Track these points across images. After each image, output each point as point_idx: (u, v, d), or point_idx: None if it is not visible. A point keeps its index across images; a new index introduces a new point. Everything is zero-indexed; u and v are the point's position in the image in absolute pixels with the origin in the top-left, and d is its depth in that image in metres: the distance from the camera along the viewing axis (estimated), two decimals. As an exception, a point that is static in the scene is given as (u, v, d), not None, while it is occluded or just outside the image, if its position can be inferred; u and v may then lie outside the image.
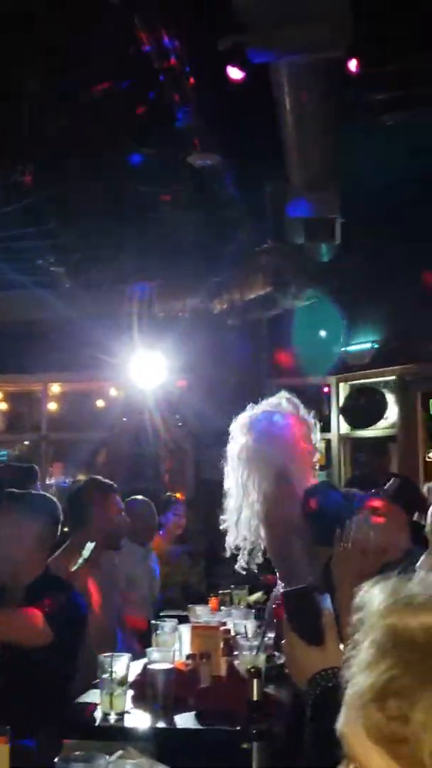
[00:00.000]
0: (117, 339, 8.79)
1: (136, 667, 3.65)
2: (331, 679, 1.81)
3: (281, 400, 4.35)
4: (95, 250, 7.78)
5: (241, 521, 3.74)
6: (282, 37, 4.38)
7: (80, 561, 4.25)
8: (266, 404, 4.34)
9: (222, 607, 4.80)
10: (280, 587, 3.66)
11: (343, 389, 9.25)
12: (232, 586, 5.53)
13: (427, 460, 8.69)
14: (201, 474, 9.08)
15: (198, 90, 5.64)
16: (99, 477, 4.97)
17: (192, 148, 6.07)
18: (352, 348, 8.94)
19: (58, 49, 5.52)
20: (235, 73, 4.76)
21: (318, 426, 4.46)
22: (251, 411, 4.33)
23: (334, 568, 2.71)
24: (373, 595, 0.73)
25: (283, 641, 2.01)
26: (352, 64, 4.76)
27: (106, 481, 4.84)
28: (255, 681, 3.05)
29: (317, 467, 4.44)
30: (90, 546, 4.29)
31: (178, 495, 9.01)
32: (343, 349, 8.97)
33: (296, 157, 6.20)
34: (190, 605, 4.83)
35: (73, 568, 4.19)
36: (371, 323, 8.86)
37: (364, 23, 4.34)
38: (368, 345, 8.82)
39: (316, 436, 4.49)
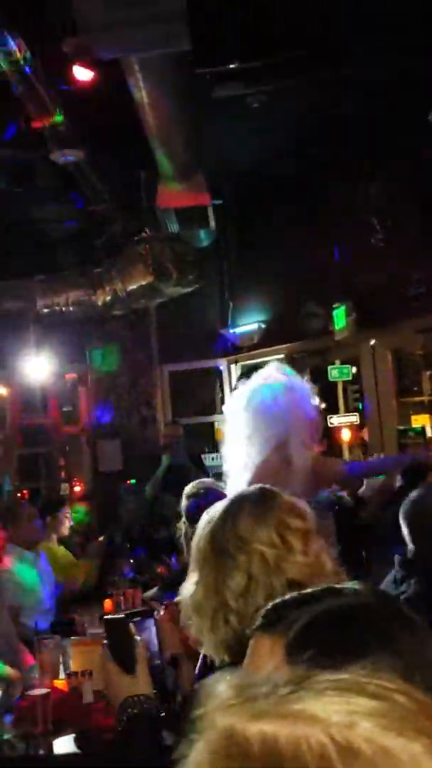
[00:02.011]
0: (2, 337, 8.63)
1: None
2: (137, 706, 1.94)
3: (271, 371, 4.15)
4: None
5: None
6: (124, 37, 4.31)
7: None
8: (259, 377, 4.15)
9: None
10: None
11: (235, 370, 9.30)
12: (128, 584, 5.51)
13: (330, 425, 8.85)
14: (98, 467, 9.04)
15: (54, 88, 5.52)
16: None
17: (54, 144, 5.94)
18: (240, 329, 9.00)
19: None
20: (82, 74, 4.66)
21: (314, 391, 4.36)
22: (244, 387, 4.22)
23: None
24: (217, 690, 0.64)
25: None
26: (201, 58, 4.73)
27: None
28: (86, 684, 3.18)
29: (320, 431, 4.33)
30: None
31: (77, 489, 8.96)
32: (231, 330, 9.02)
33: (160, 149, 6.15)
34: (77, 615, 4.79)
35: None
36: (257, 304, 8.92)
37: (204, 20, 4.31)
38: (255, 325, 8.88)
39: (315, 401, 4.37)
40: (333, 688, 0.61)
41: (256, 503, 1.91)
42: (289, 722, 0.58)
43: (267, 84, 5.59)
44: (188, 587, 1.92)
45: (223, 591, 1.83)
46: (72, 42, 4.56)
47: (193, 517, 4.16)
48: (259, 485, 2.04)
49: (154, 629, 2.32)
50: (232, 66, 4.73)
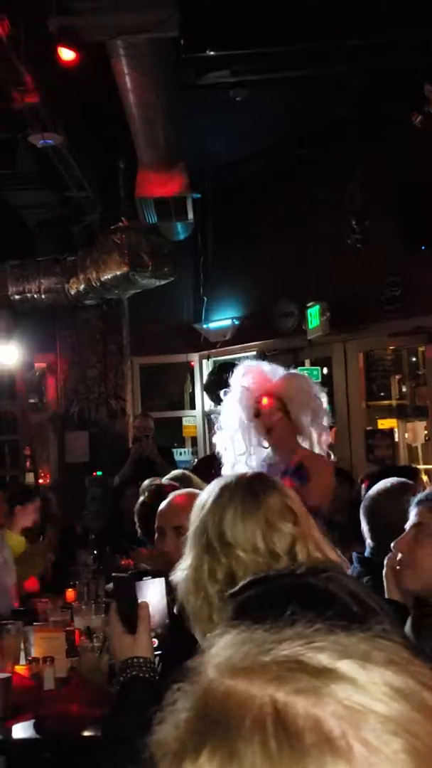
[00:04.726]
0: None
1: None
2: (135, 668, 1.92)
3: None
4: None
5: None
6: (111, 20, 4.26)
7: None
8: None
9: (72, 603, 4.72)
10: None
11: (206, 366, 9.26)
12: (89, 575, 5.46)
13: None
14: (65, 458, 8.96)
15: (36, 69, 5.44)
16: None
17: (33, 127, 5.86)
18: (212, 325, 8.96)
19: None
20: (66, 54, 4.60)
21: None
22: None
23: None
24: (216, 643, 0.65)
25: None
26: (187, 44, 4.68)
27: None
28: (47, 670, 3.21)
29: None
30: None
31: (41, 480, 8.86)
32: (204, 326, 8.98)
33: (142, 138, 6.10)
34: (40, 602, 4.73)
35: None
36: (231, 300, 8.89)
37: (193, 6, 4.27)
38: (229, 321, 8.85)
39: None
40: (309, 649, 0.60)
41: (244, 500, 1.83)
42: (250, 679, 0.59)
43: (252, 73, 5.55)
44: (181, 570, 1.87)
45: (207, 586, 1.79)
46: (57, 21, 4.49)
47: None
48: (253, 472, 1.98)
49: (163, 590, 2.18)
50: (213, 53, 4.67)
